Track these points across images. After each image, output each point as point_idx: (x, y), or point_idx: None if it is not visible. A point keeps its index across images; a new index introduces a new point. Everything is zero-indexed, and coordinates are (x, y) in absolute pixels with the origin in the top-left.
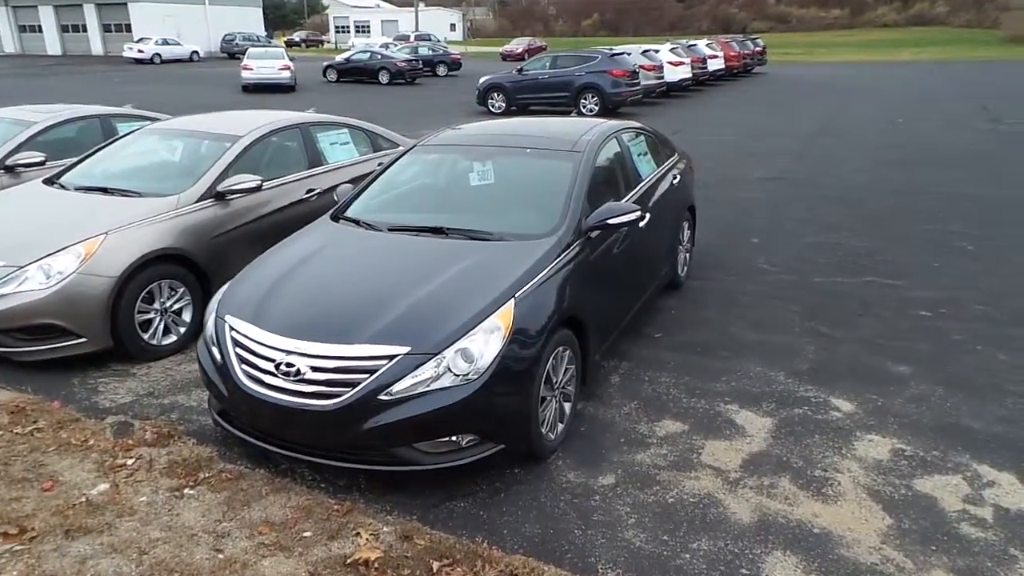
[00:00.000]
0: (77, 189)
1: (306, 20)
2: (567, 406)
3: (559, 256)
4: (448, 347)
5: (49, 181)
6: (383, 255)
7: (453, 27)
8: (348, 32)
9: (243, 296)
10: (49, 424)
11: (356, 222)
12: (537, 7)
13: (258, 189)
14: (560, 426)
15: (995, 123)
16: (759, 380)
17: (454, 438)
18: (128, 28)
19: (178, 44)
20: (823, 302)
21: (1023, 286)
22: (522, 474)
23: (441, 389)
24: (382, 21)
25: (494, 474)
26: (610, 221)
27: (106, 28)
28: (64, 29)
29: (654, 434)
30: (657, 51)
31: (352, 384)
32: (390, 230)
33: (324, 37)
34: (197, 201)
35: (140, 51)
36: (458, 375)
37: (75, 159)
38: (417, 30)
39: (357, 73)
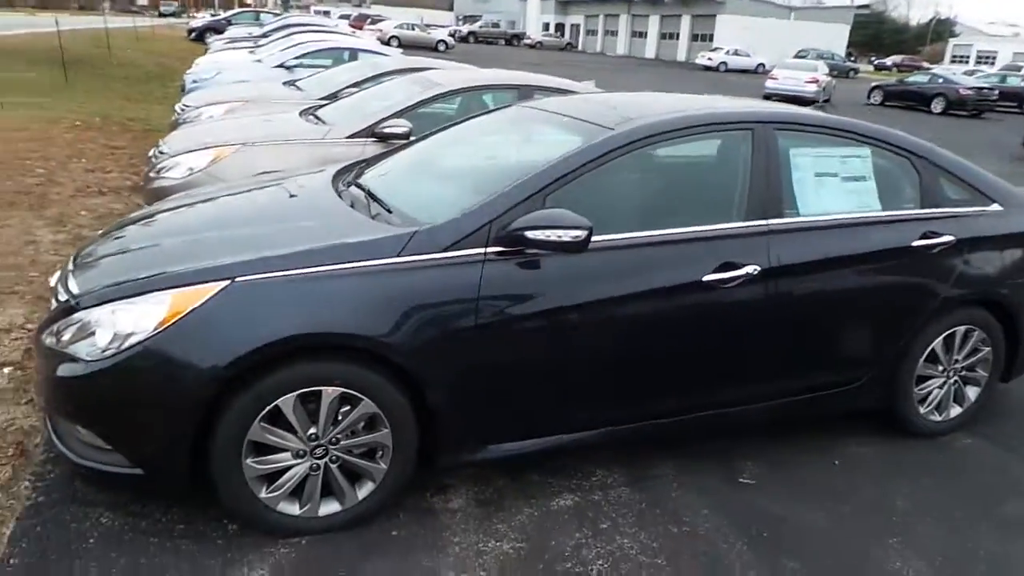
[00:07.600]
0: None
1: (926, 47)
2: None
3: (402, 256)
4: (95, 306)
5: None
6: (287, 206)
7: None
8: (966, 62)
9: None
10: None
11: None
12: None
13: (405, 137)
14: (314, 505)
15: None
16: None
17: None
18: (711, 38)
19: (747, 56)
20: None
21: None
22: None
23: (73, 357)
24: (1014, 53)
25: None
26: (528, 233)
27: (693, 37)
28: (662, 36)
29: None
30: None
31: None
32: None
33: (933, 66)
34: (349, 136)
35: (709, 59)
36: (96, 347)
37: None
38: None
39: (907, 97)
